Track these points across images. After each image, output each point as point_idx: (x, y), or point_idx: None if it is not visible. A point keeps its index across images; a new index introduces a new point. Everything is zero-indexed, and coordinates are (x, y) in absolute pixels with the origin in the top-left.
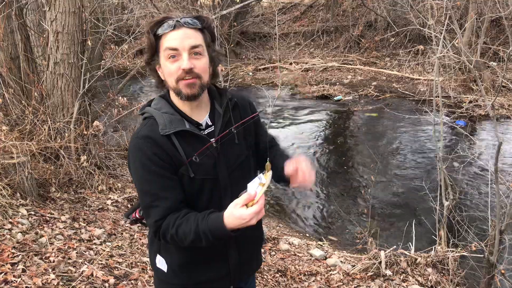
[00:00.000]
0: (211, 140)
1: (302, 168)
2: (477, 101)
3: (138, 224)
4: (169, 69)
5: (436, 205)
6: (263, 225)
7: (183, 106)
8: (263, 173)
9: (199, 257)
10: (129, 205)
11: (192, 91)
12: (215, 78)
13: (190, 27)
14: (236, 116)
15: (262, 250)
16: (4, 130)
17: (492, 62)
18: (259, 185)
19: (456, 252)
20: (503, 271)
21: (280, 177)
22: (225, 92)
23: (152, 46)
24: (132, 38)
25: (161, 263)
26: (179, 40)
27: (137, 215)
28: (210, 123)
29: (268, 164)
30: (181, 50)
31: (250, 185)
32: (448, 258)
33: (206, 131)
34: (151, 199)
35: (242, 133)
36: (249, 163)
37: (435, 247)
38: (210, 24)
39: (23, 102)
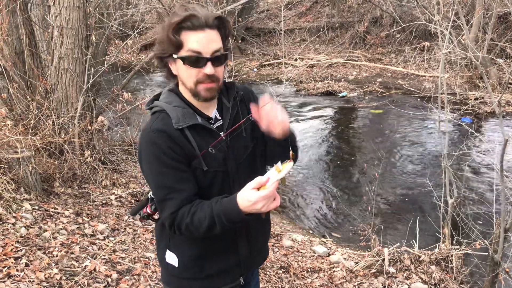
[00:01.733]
0: (221, 133)
1: (265, 109)
2: (483, 98)
3: (147, 220)
4: (189, 71)
5: (441, 203)
6: None
7: (193, 101)
8: (284, 162)
9: (210, 249)
10: (132, 201)
11: (211, 94)
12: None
13: (212, 28)
14: (243, 108)
15: None
16: (8, 124)
17: (499, 59)
18: (275, 170)
19: (460, 250)
20: (507, 270)
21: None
22: (233, 86)
23: (172, 44)
24: (137, 33)
25: (172, 258)
26: (204, 43)
27: (148, 211)
28: (218, 117)
29: (292, 153)
30: (204, 54)
31: (268, 172)
32: (452, 256)
33: (216, 125)
34: (167, 192)
35: (250, 126)
36: (255, 155)
37: (439, 245)
38: (227, 22)
39: (27, 97)
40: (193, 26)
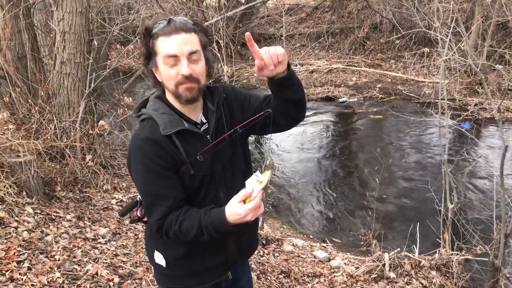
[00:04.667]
0: (207, 136)
1: (265, 53)
2: (482, 104)
3: (137, 223)
4: (168, 74)
5: (441, 208)
6: (266, 226)
7: (179, 106)
8: (262, 172)
9: (197, 250)
10: None
11: (192, 94)
12: (209, 78)
13: (187, 32)
14: (229, 107)
15: (266, 251)
16: (10, 128)
17: (498, 65)
18: (256, 182)
19: (460, 255)
20: (507, 275)
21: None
22: (216, 90)
23: (147, 50)
24: (138, 38)
25: (160, 258)
26: (178, 46)
27: (138, 214)
28: (204, 121)
29: (269, 163)
30: (180, 56)
31: (248, 182)
32: (452, 261)
33: (202, 129)
34: (153, 199)
35: (230, 125)
36: (239, 155)
37: (439, 250)
38: (204, 26)
39: (29, 101)
40: (168, 32)
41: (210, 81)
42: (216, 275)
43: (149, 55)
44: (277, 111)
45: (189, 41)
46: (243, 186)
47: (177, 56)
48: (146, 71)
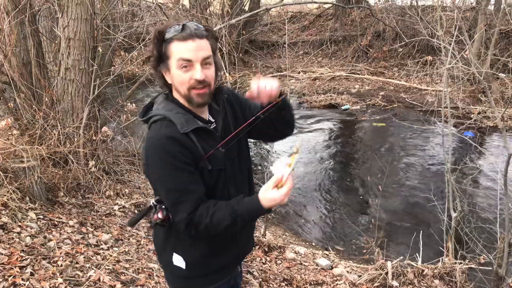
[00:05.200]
0: (217, 134)
1: (259, 85)
2: (485, 112)
3: (154, 227)
4: (182, 78)
5: (444, 216)
6: (268, 233)
7: (188, 106)
8: (290, 155)
9: (215, 247)
10: (136, 211)
11: (204, 99)
12: (216, 81)
13: (201, 38)
14: (228, 109)
15: (268, 259)
16: (15, 134)
17: (501, 74)
18: (286, 166)
19: (464, 264)
20: (511, 284)
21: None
22: (220, 90)
23: (159, 53)
24: (142, 45)
25: (179, 261)
26: (193, 52)
27: (160, 216)
28: (212, 119)
29: (297, 146)
30: (194, 62)
31: (274, 168)
32: (455, 270)
33: (211, 127)
34: (179, 195)
35: (234, 124)
36: (245, 153)
37: (442, 259)
38: (214, 32)
39: (33, 107)
40: (182, 37)
41: None
42: (230, 271)
43: (161, 58)
44: (268, 125)
45: (203, 47)
46: (251, 182)
47: (191, 61)
48: (156, 73)
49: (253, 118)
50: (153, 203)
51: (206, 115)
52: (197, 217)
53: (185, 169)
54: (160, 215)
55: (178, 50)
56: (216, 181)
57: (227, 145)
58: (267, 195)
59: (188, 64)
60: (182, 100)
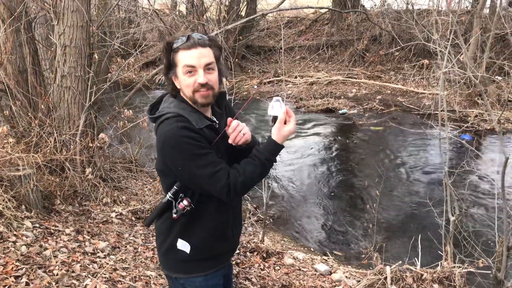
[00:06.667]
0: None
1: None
2: (482, 115)
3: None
4: (187, 82)
5: (442, 220)
6: (266, 239)
7: (195, 107)
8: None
9: (217, 233)
10: (133, 218)
11: (207, 100)
12: (220, 85)
13: (204, 46)
14: (226, 113)
15: (266, 265)
16: (10, 142)
17: (497, 77)
18: (282, 104)
19: (462, 268)
20: None
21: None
22: (224, 95)
23: (168, 61)
24: (139, 51)
25: (183, 245)
26: (196, 58)
27: (186, 203)
28: (216, 120)
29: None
30: (197, 67)
31: (274, 111)
32: (454, 274)
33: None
34: (213, 167)
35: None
36: (230, 148)
37: (441, 263)
38: (218, 42)
39: (29, 114)
40: (187, 46)
41: None
42: (225, 259)
43: (170, 66)
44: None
45: (206, 55)
46: None
47: (194, 67)
48: (166, 79)
49: (223, 132)
50: (170, 197)
51: (209, 115)
52: (232, 179)
53: (208, 147)
54: (185, 202)
55: (183, 58)
56: None
57: (222, 143)
58: (282, 132)
59: (193, 69)
60: (188, 102)
